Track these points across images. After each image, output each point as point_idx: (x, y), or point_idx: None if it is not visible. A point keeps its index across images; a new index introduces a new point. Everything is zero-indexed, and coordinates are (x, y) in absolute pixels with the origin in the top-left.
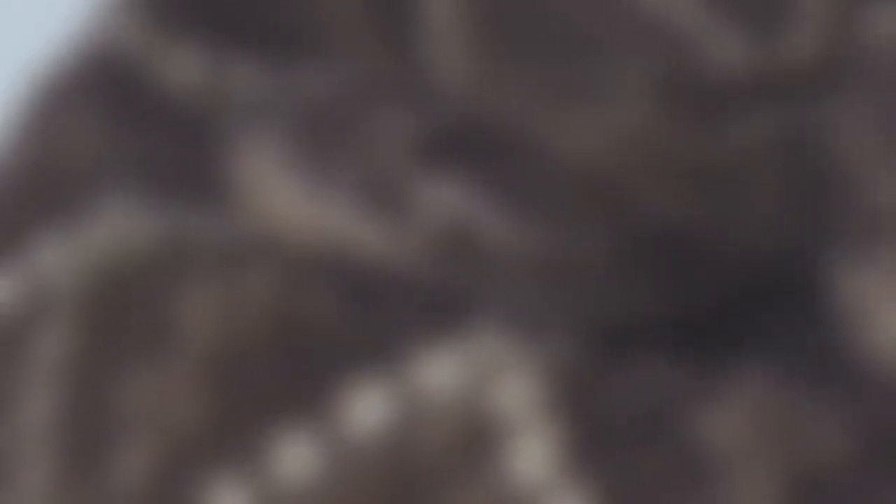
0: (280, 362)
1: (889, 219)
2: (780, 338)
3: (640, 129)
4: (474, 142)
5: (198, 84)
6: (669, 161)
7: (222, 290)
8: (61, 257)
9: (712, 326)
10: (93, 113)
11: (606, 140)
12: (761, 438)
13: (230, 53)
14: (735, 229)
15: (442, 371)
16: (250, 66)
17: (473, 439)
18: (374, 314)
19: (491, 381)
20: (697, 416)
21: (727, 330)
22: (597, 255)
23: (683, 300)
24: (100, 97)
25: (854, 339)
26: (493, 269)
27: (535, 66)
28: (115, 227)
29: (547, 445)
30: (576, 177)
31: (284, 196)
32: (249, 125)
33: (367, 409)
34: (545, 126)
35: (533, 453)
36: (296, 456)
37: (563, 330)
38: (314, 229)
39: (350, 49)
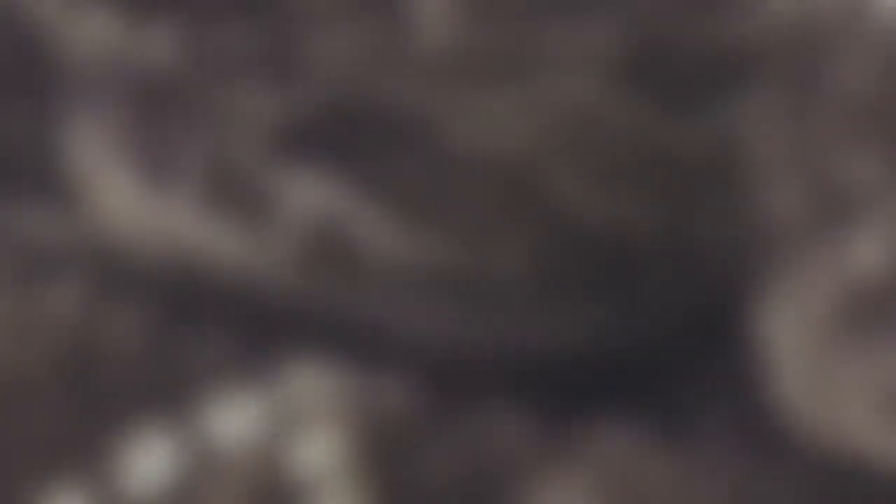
0: (65, 403)
1: (790, 235)
2: (699, 386)
3: (586, 107)
4: (350, 130)
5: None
6: (621, 152)
7: (17, 308)
8: None
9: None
10: None
11: (533, 122)
12: None
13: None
14: (690, 241)
15: (238, 420)
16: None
17: (267, 500)
18: (181, 344)
19: (294, 433)
20: (534, 481)
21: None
22: (507, 268)
23: (612, 333)
24: None
25: (767, 389)
26: (368, 279)
27: (510, 27)
28: None
29: None
30: (484, 171)
31: (117, 189)
32: (87, 96)
33: (150, 463)
34: (449, 110)
35: None
36: None
37: (408, 365)
38: (153, 230)
39: (333, 11)
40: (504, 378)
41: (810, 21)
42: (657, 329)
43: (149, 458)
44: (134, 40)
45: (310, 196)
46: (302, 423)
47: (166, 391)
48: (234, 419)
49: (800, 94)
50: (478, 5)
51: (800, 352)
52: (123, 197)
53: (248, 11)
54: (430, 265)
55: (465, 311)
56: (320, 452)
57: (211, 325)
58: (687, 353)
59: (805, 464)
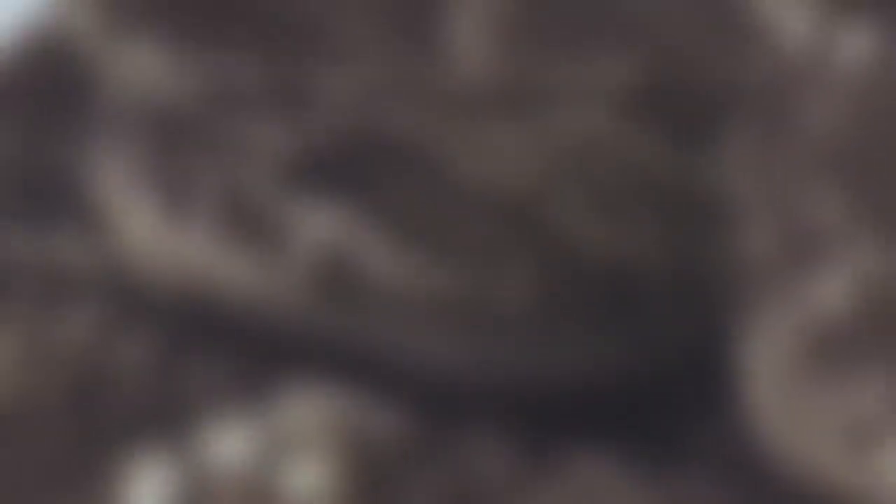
0: (70, 429)
1: (765, 273)
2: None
3: (595, 140)
4: (359, 161)
5: (153, 83)
6: (627, 184)
7: (32, 333)
8: None
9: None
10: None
11: (541, 154)
12: None
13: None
14: (694, 274)
15: (232, 446)
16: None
17: None
18: (186, 370)
19: (285, 460)
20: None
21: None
22: (512, 298)
23: (612, 365)
24: (23, 97)
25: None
26: (376, 308)
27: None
28: None
29: None
30: (490, 202)
31: (136, 217)
32: (112, 124)
33: (147, 489)
34: (458, 141)
35: None
36: None
37: (409, 393)
38: (171, 259)
39: (356, 42)
40: (503, 407)
41: (782, 62)
42: (657, 361)
43: (146, 484)
44: (176, 73)
45: (321, 226)
46: (293, 449)
47: (168, 417)
48: (229, 444)
49: (772, 134)
50: (515, 37)
51: (774, 387)
52: (142, 225)
53: (264, 42)
54: (438, 295)
55: (471, 341)
56: (310, 479)
57: (217, 351)
58: (683, 385)
59: (787, 496)
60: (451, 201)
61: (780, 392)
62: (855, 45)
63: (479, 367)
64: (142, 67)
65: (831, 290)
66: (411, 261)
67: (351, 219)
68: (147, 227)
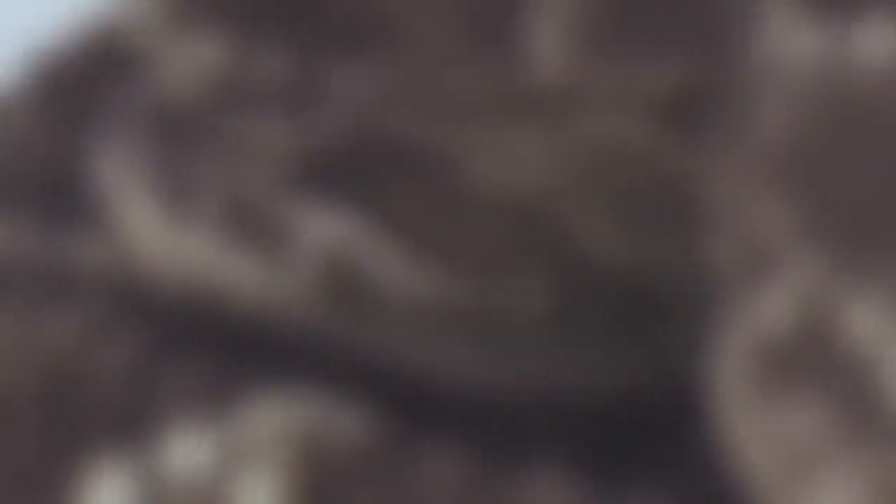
0: (38, 431)
1: (725, 285)
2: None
3: (616, 147)
4: (367, 163)
5: (208, 78)
6: (646, 191)
7: (19, 332)
8: None
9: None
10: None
11: (558, 160)
12: None
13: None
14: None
15: (190, 453)
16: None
17: None
18: (159, 374)
19: (238, 470)
20: None
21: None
22: (524, 307)
23: (628, 376)
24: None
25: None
26: (381, 315)
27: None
28: None
29: None
30: (503, 208)
31: (138, 217)
32: (118, 123)
33: (104, 494)
34: (471, 146)
35: None
36: None
37: (384, 401)
38: (172, 258)
39: (424, 39)
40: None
41: (753, 62)
42: (673, 372)
43: (103, 490)
44: (242, 68)
45: (326, 230)
46: (247, 460)
47: (135, 422)
48: (186, 453)
49: (733, 138)
50: (593, 41)
51: (730, 408)
52: (144, 222)
53: (305, 38)
54: (446, 302)
55: (481, 351)
56: (261, 491)
57: (195, 356)
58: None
59: None
60: (463, 207)
61: (735, 413)
62: (806, 47)
63: (489, 378)
64: (201, 63)
65: (773, 308)
66: (420, 268)
67: (357, 223)
68: (149, 225)
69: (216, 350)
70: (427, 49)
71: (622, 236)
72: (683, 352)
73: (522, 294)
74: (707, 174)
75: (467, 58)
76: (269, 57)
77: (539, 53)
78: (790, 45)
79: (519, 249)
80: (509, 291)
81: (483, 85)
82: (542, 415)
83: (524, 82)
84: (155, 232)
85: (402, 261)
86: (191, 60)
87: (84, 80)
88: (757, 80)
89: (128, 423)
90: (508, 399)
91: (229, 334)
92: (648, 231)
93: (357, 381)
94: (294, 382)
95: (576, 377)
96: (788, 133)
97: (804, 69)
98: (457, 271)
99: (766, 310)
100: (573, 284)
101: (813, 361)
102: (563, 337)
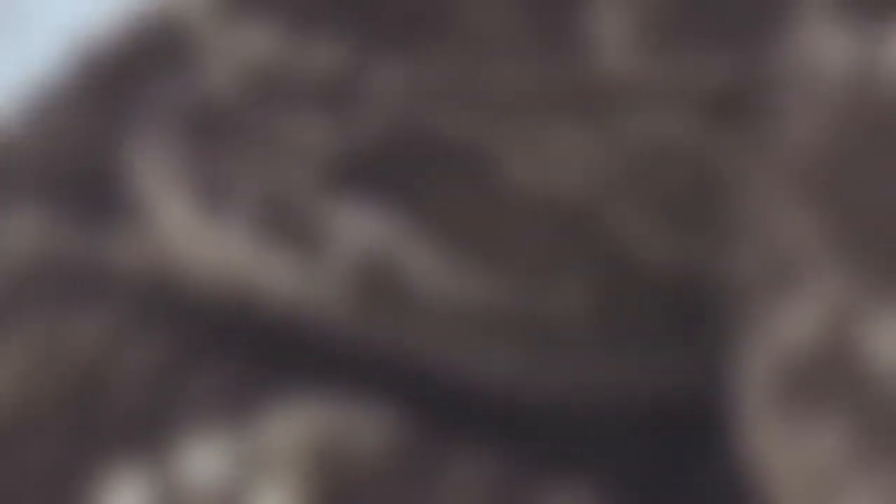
0: (61, 437)
1: (750, 297)
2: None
3: (662, 144)
4: (407, 163)
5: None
6: (691, 189)
7: (47, 336)
8: None
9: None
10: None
11: (602, 158)
12: None
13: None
14: None
15: (206, 463)
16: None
17: None
18: (183, 379)
19: (256, 480)
20: None
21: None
22: (566, 308)
23: (671, 382)
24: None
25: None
26: (418, 316)
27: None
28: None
29: None
30: (543, 207)
31: (174, 215)
32: (154, 120)
33: (122, 500)
34: (512, 144)
35: None
36: None
37: (417, 406)
38: (207, 257)
39: (480, 33)
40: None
41: (781, 72)
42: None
43: (121, 497)
44: (295, 56)
45: (363, 229)
46: (265, 469)
47: (157, 429)
48: (204, 462)
49: (762, 144)
50: (659, 37)
51: (753, 424)
52: (179, 221)
53: (333, 35)
54: (485, 304)
55: (523, 354)
56: (280, 500)
57: (221, 362)
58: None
59: None
60: (505, 207)
61: (757, 428)
62: (838, 51)
63: (529, 380)
64: (247, 57)
65: (796, 323)
66: (460, 269)
67: (396, 223)
68: (184, 223)
69: (243, 353)
70: (481, 43)
71: (666, 237)
72: (714, 359)
73: (564, 295)
74: (740, 178)
75: (523, 52)
76: (318, 51)
77: (604, 47)
78: (823, 48)
79: (561, 250)
80: (551, 293)
81: (534, 81)
82: (579, 420)
83: (583, 77)
84: (190, 230)
85: (441, 262)
86: (237, 54)
87: (129, 74)
88: (789, 83)
89: (148, 429)
90: (547, 402)
91: (258, 337)
92: (692, 232)
93: (386, 384)
94: (320, 386)
95: (618, 380)
96: (816, 139)
97: (835, 74)
98: (497, 272)
99: (789, 324)
100: (616, 286)
101: (836, 379)
102: (605, 339)
